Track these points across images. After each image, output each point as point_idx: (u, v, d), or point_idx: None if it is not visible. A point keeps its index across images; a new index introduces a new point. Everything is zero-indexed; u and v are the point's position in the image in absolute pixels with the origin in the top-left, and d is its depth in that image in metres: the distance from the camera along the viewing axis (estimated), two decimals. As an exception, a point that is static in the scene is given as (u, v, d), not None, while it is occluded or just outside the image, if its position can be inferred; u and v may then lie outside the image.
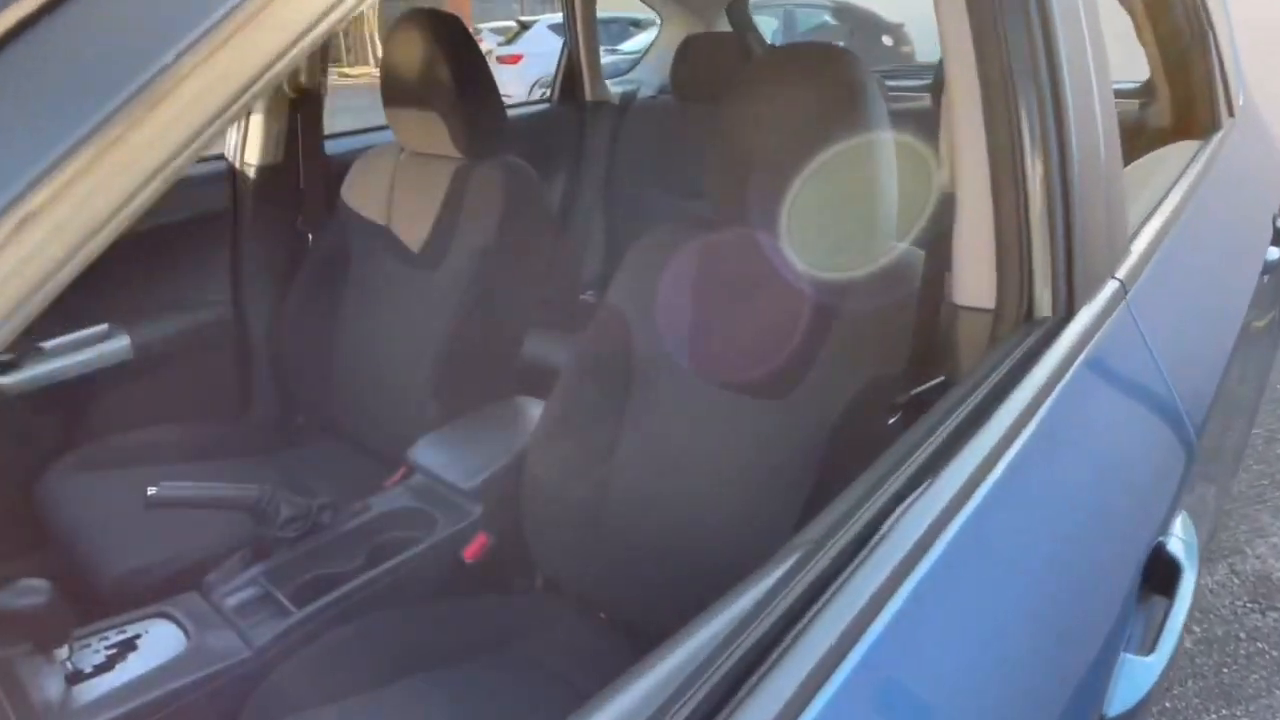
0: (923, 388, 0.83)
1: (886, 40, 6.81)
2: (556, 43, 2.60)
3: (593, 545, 1.11)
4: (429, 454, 1.27)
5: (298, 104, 1.63)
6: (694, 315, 1.08)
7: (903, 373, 0.90)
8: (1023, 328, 0.78)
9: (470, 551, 1.15)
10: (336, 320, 1.57)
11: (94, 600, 1.12)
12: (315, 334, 1.58)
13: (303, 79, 1.61)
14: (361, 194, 1.58)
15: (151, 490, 1.01)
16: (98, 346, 1.48)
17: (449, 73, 1.36)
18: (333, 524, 1.15)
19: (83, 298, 1.48)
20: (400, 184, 1.54)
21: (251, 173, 1.64)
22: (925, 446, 0.64)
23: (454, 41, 1.38)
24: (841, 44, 1.06)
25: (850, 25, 7.21)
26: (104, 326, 1.51)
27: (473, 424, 1.35)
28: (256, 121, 1.61)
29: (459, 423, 1.35)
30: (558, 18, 2.20)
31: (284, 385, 1.64)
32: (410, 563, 1.13)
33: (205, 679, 0.91)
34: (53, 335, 1.45)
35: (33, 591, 0.83)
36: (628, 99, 2.46)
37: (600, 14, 2.39)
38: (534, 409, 1.29)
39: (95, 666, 0.91)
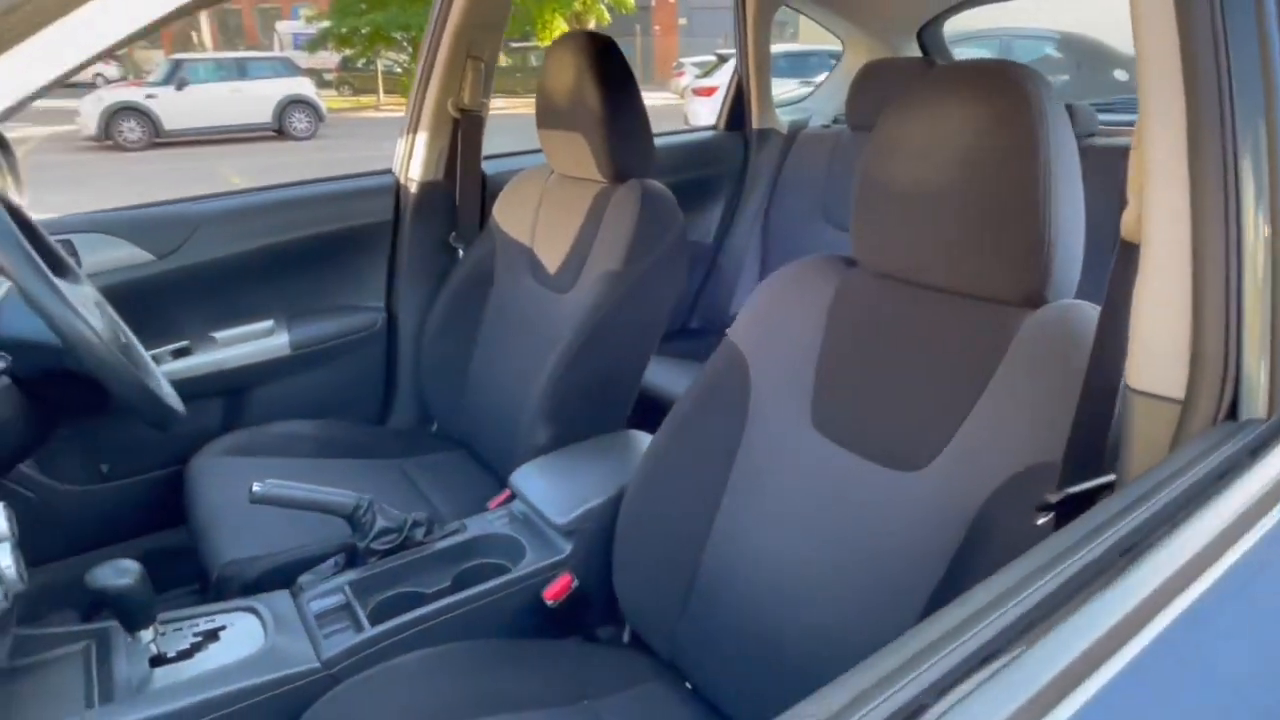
0: (1083, 486, 0.66)
1: (1120, 75, 6.13)
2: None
3: (685, 604, 1.02)
4: (529, 481, 1.23)
5: (459, 124, 1.68)
6: (821, 363, 0.96)
7: (1060, 461, 0.73)
8: (1221, 429, 0.59)
9: (551, 592, 1.09)
10: (475, 335, 1.59)
11: (205, 581, 1.18)
12: (454, 346, 1.60)
13: (466, 100, 1.66)
14: (510, 213, 1.59)
15: (256, 487, 1.05)
16: (260, 341, 1.60)
17: (596, 95, 1.33)
18: (425, 541, 1.14)
19: (253, 295, 1.61)
20: (546, 205, 1.54)
21: (413, 187, 1.71)
22: (1078, 558, 0.49)
23: (605, 63, 1.35)
24: (1065, 77, 0.89)
25: (1076, 58, 6.57)
26: (269, 323, 1.62)
27: (579, 454, 1.30)
28: (421, 139, 1.69)
29: (566, 451, 1.31)
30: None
31: (422, 393, 1.69)
32: (492, 594, 1.09)
33: (271, 684, 0.91)
34: (224, 327, 1.58)
35: (125, 572, 0.87)
36: (797, 127, 2.35)
37: (798, 47, 2.31)
38: (645, 444, 1.22)
39: (178, 651, 0.94)
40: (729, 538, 1.00)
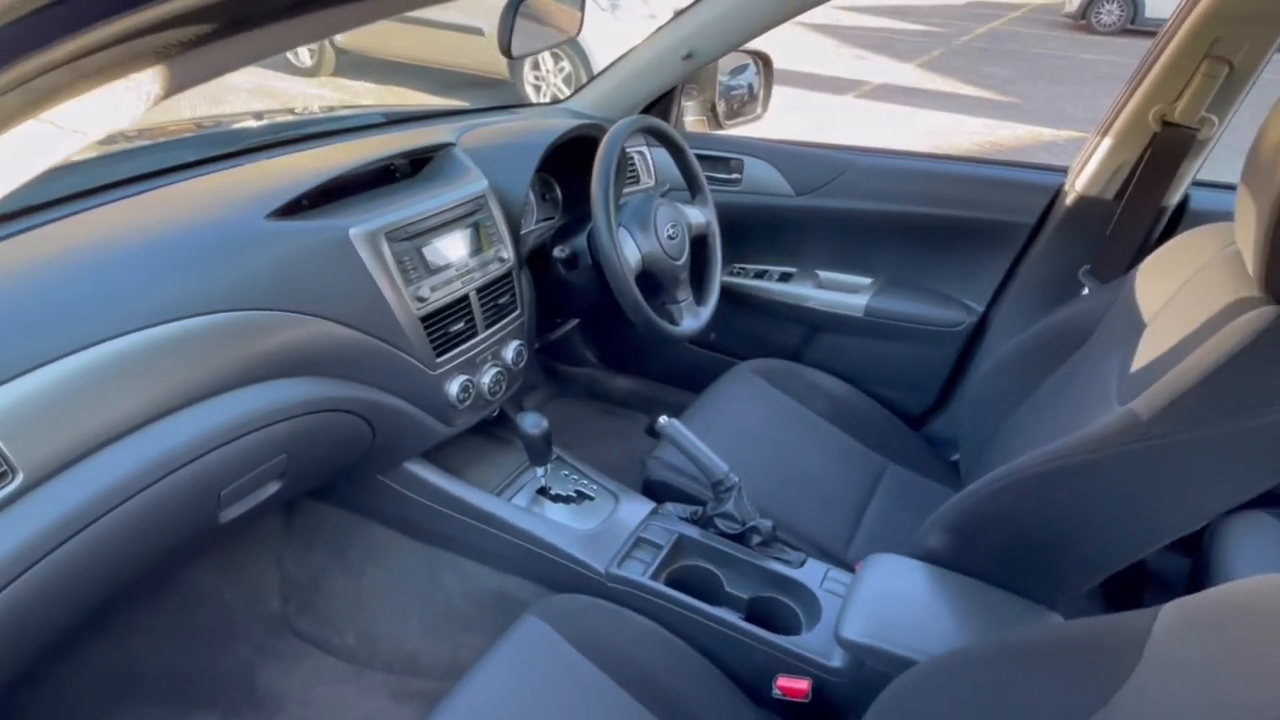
0: None
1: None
2: None
3: None
4: (875, 574, 1.09)
5: (1156, 139, 1.27)
6: None
7: None
8: None
9: (784, 684, 1.02)
10: (1032, 390, 1.34)
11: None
12: (1009, 388, 1.39)
13: (1178, 112, 1.23)
14: (1156, 272, 1.21)
15: (663, 420, 1.24)
16: (846, 295, 1.68)
17: None
18: (756, 549, 1.18)
19: (867, 250, 1.68)
20: (1196, 283, 1.11)
21: (1071, 198, 1.42)
22: None
23: None
24: None
25: None
26: (869, 280, 1.68)
27: (954, 590, 1.06)
28: (1104, 146, 1.35)
29: (947, 577, 1.08)
30: None
31: (960, 419, 1.54)
32: (752, 638, 1.08)
33: (568, 555, 1.17)
34: (831, 270, 1.71)
35: (536, 425, 1.21)
36: None
37: None
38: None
39: (556, 494, 1.28)
40: None
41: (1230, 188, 1.36)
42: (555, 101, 1.80)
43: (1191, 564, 1.34)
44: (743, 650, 1.08)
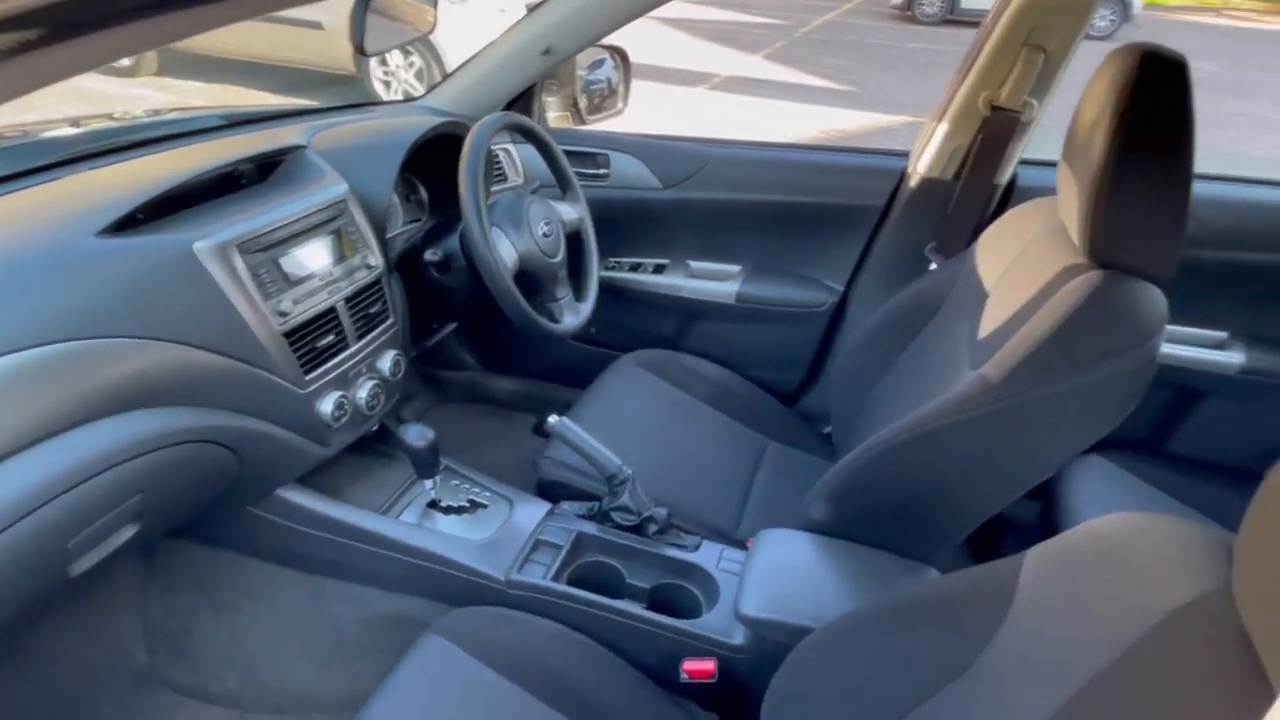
0: None
1: None
2: None
3: None
4: (767, 550, 1.13)
5: (987, 123, 1.39)
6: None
7: None
8: None
9: (690, 667, 1.04)
10: (893, 362, 1.43)
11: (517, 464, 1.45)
12: (872, 361, 1.47)
13: (1004, 96, 1.35)
14: (994, 245, 1.31)
15: (553, 419, 1.23)
16: (717, 283, 1.73)
17: (1113, 143, 0.95)
18: (653, 538, 1.19)
19: (733, 239, 1.73)
20: (1028, 254, 1.21)
21: (914, 180, 1.52)
22: None
23: (1151, 107, 0.94)
24: None
25: None
26: (738, 268, 1.73)
27: (843, 558, 1.12)
28: (941, 131, 1.46)
29: (835, 545, 1.14)
30: None
31: (829, 393, 1.62)
32: (656, 626, 1.09)
33: (464, 568, 1.14)
34: (701, 260, 1.75)
35: (421, 437, 1.17)
36: None
37: None
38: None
39: (448, 506, 1.24)
40: None
41: (1051, 164, 1.51)
42: (409, 99, 1.74)
43: (1042, 508, 1.48)
44: (648, 639, 1.09)
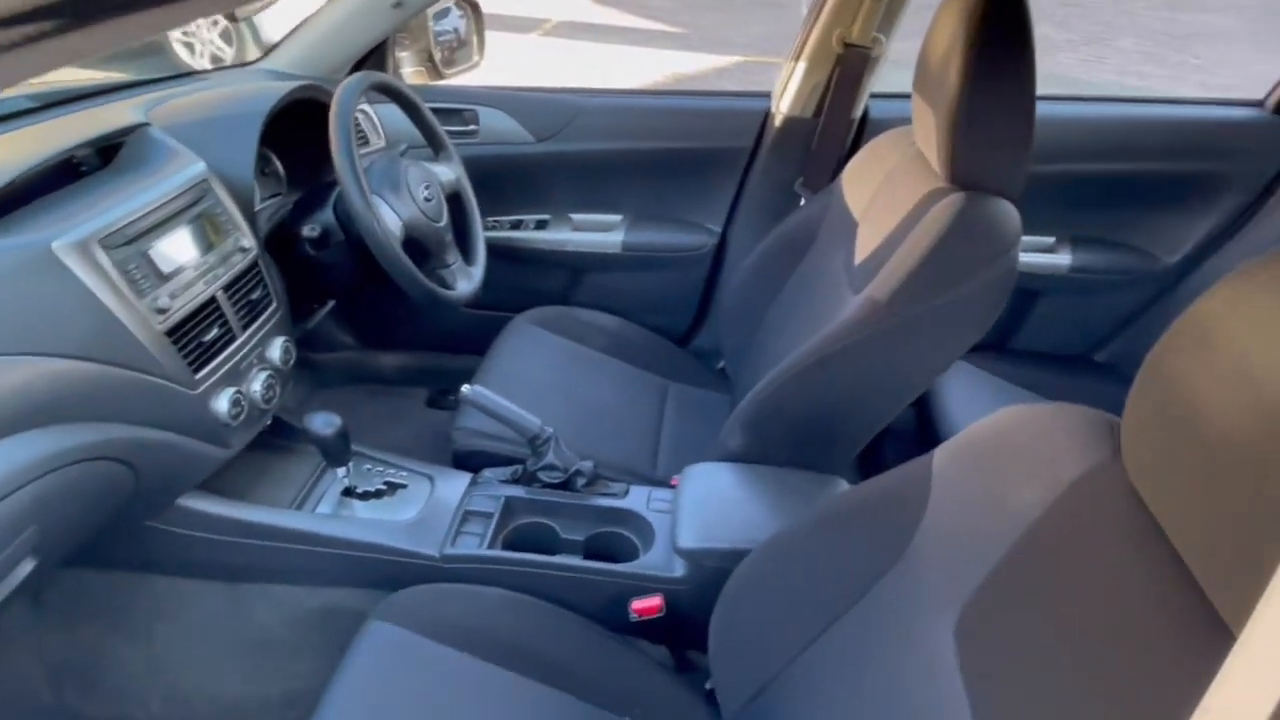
0: None
1: None
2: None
3: (753, 700, 0.93)
4: (693, 484, 1.19)
5: (841, 60, 1.47)
6: (1004, 565, 0.71)
7: None
8: None
9: (639, 606, 1.09)
10: (776, 297, 1.50)
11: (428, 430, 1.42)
12: (757, 297, 1.54)
13: (855, 34, 1.43)
14: (859, 175, 1.40)
15: (466, 389, 1.21)
16: (601, 234, 1.74)
17: (963, 69, 1.03)
18: (582, 491, 1.22)
19: (612, 189, 1.74)
20: (892, 180, 1.31)
21: (778, 120, 1.59)
22: None
23: (992, 31, 1.02)
24: None
25: None
26: (619, 217, 1.75)
27: (762, 481, 1.20)
28: (800, 70, 1.53)
29: (752, 470, 1.21)
30: None
31: (719, 331, 1.68)
32: (598, 574, 1.13)
33: (398, 551, 1.12)
34: (582, 212, 1.75)
35: (329, 424, 1.12)
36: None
37: None
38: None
39: (364, 491, 1.20)
40: (811, 675, 0.86)
41: (898, 96, 1.62)
42: (226, 65, 1.60)
43: (916, 413, 1.63)
44: (593, 588, 1.12)
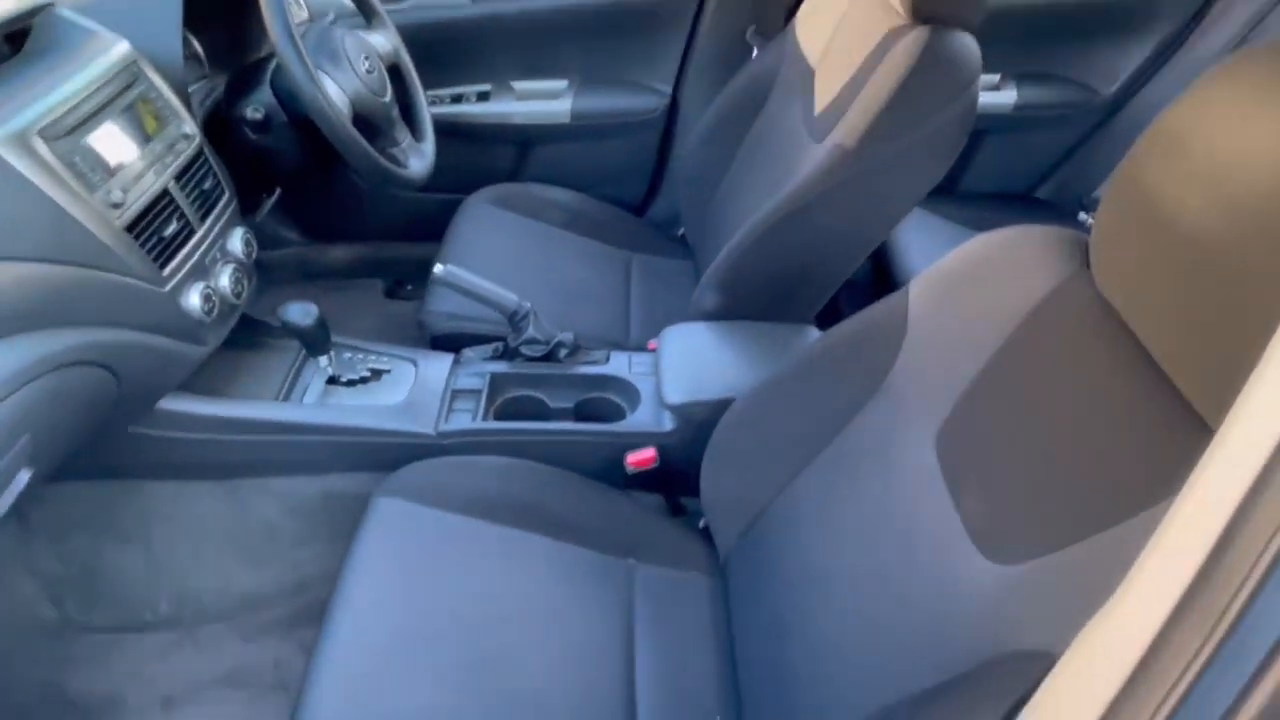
0: None
1: None
2: None
3: (745, 534, 0.99)
4: (673, 343, 1.22)
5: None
6: (980, 380, 0.76)
7: None
8: None
9: (633, 459, 1.13)
10: (734, 154, 1.49)
11: (409, 320, 1.41)
12: (715, 157, 1.53)
13: None
14: (811, 21, 1.37)
15: (439, 269, 1.20)
16: (547, 103, 1.67)
17: None
18: (565, 361, 1.23)
19: (555, 53, 1.66)
20: (847, 23, 1.29)
21: (724, -34, 1.53)
22: None
23: None
24: None
25: None
26: (564, 83, 1.68)
27: (738, 335, 1.24)
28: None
29: (729, 327, 1.25)
30: None
31: (677, 197, 1.68)
32: (590, 435, 1.17)
33: (393, 433, 1.13)
34: (525, 80, 1.67)
35: (307, 314, 1.10)
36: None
37: None
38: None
39: (348, 379, 1.20)
40: (799, 502, 0.93)
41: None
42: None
43: (872, 263, 1.68)
44: (587, 449, 1.16)
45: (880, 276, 1.67)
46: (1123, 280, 0.68)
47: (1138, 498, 0.58)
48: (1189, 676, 0.37)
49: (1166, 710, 0.38)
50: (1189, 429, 0.58)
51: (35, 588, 1.13)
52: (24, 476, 0.83)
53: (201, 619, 1.17)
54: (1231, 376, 0.43)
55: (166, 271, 0.97)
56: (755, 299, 1.26)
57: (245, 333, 1.21)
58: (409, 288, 1.79)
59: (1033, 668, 0.48)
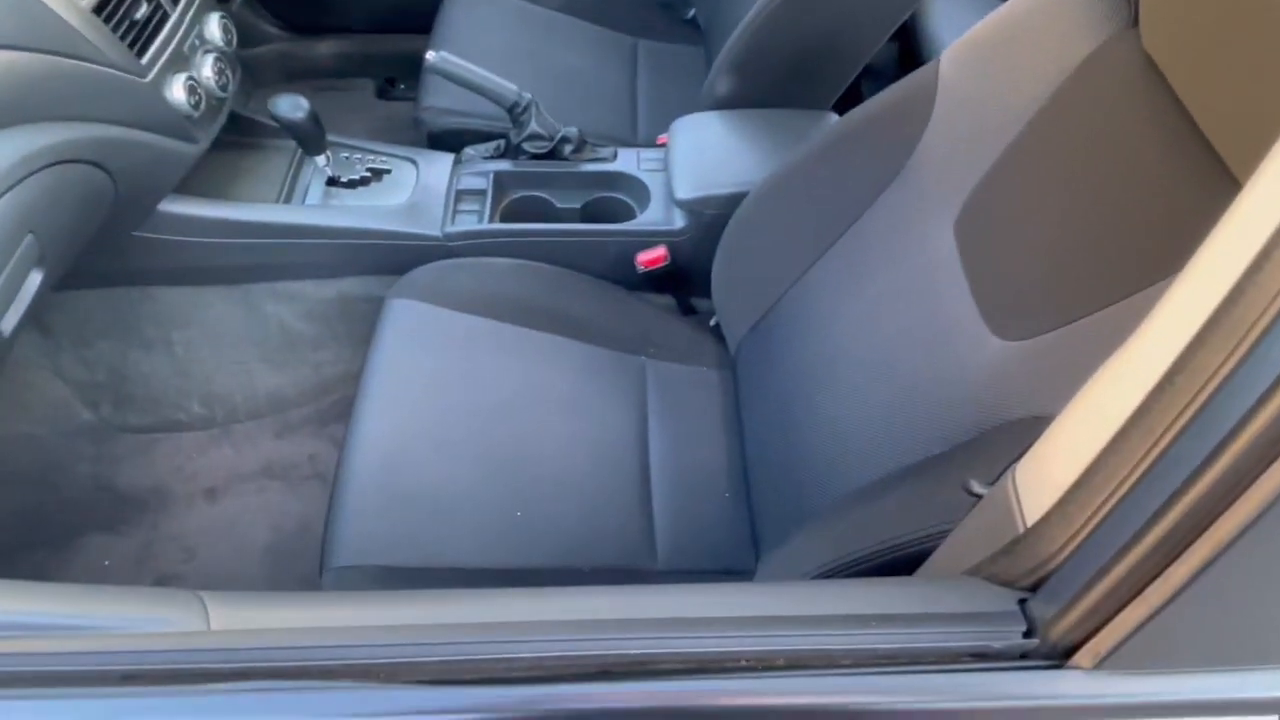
0: None
1: None
2: None
3: (755, 326, 0.99)
4: (684, 136, 1.17)
5: None
6: (1008, 154, 0.72)
7: None
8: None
9: (644, 259, 1.12)
10: None
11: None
12: None
13: None
14: None
15: (431, 55, 1.12)
16: None
17: None
18: (570, 159, 1.19)
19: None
20: None
21: None
22: None
23: None
24: None
25: None
26: None
27: (752, 124, 1.18)
28: None
29: (742, 115, 1.18)
30: None
31: None
32: (600, 235, 1.14)
33: (400, 234, 1.11)
34: None
35: (298, 108, 1.05)
36: None
37: None
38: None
39: (348, 180, 1.16)
40: (811, 292, 0.92)
41: None
42: None
43: (898, 46, 1.56)
44: (597, 249, 1.15)
45: (906, 61, 1.56)
46: (1168, 35, 0.63)
47: (1161, 264, 0.57)
48: (1170, 434, 0.38)
49: (1147, 464, 0.40)
50: (1224, 194, 0.57)
51: (69, 392, 1.17)
52: (36, 278, 0.83)
53: (234, 418, 1.22)
54: (1266, 131, 0.41)
55: (145, 60, 0.91)
56: (772, 83, 1.19)
57: (238, 133, 1.16)
58: (401, 86, 1.70)
59: (1032, 432, 0.49)
